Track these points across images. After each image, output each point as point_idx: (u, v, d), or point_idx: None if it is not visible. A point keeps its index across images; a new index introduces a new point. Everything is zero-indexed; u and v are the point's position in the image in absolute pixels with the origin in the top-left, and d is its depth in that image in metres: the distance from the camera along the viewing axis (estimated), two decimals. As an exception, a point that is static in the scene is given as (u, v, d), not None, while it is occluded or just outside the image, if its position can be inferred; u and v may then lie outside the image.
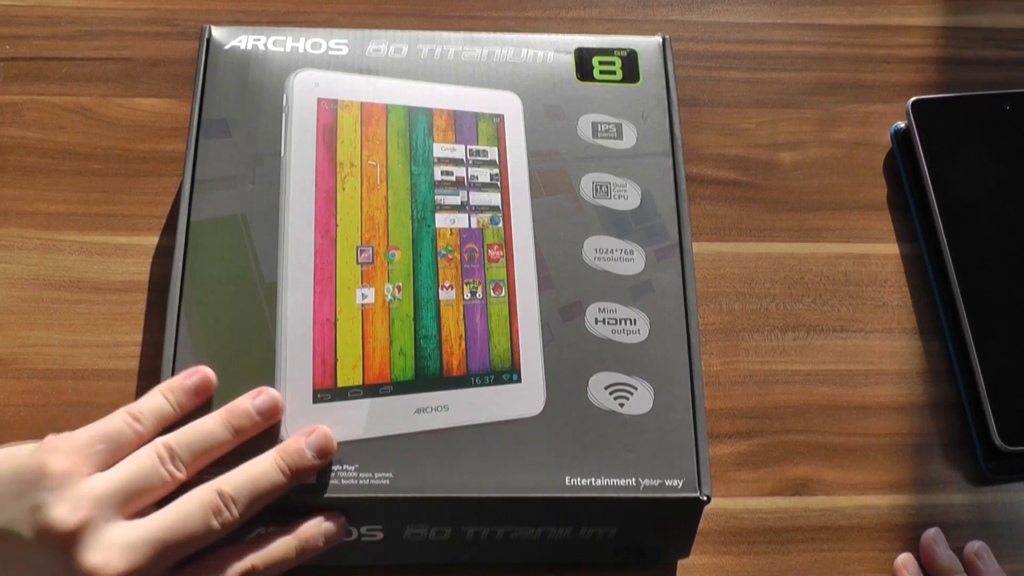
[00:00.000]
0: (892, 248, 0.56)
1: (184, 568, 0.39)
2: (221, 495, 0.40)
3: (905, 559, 0.49)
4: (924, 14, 0.63)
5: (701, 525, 0.49)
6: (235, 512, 0.40)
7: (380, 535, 0.44)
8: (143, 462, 0.40)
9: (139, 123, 0.56)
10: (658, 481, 0.44)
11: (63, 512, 0.37)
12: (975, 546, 0.49)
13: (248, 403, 0.42)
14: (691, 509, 0.44)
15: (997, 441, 0.50)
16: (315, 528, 0.42)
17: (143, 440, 0.41)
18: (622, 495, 0.43)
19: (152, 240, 0.53)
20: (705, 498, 0.43)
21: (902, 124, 0.58)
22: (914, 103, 0.57)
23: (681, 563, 0.48)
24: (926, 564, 0.49)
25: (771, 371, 0.53)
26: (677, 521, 0.45)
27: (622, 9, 0.62)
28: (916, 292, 0.55)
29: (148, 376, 0.50)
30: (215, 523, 0.39)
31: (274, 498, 0.41)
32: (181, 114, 0.56)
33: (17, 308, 0.52)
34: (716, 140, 0.58)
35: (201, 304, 0.45)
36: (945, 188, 0.55)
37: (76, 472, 0.38)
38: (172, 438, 0.41)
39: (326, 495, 0.42)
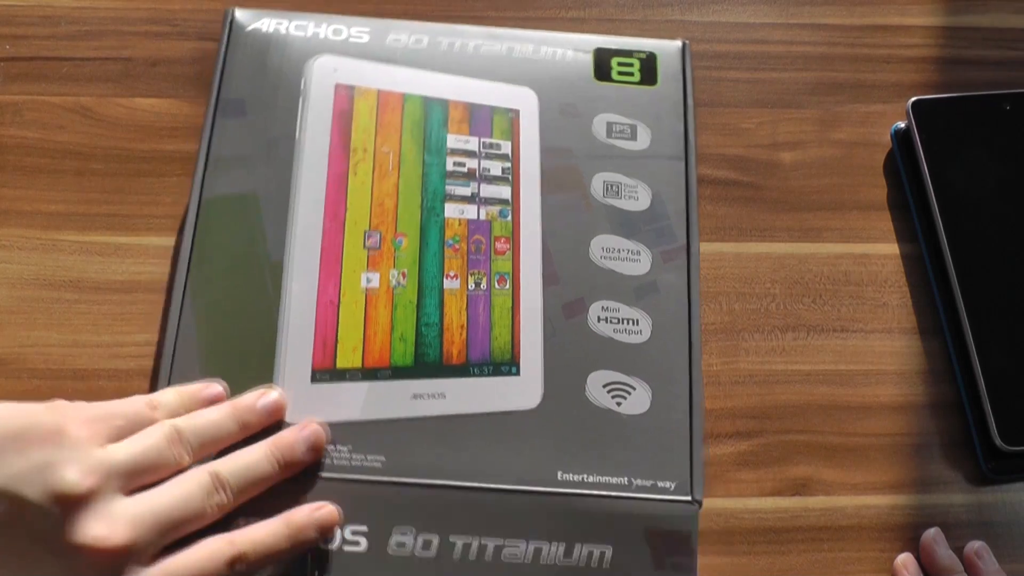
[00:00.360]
0: (892, 248, 0.56)
1: (171, 552, 0.39)
2: (217, 478, 0.40)
3: (905, 559, 0.49)
4: (924, 14, 0.63)
5: (702, 525, 0.49)
6: (229, 495, 0.40)
7: (364, 543, 0.43)
8: (157, 440, 0.40)
9: (139, 123, 0.56)
10: (650, 482, 0.44)
11: (75, 475, 0.37)
12: (975, 546, 0.49)
13: (254, 400, 0.43)
14: (683, 516, 0.44)
15: (997, 441, 0.50)
16: (307, 517, 0.41)
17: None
18: (613, 493, 0.43)
19: (152, 240, 0.53)
20: (696, 504, 0.43)
21: (902, 124, 0.58)
22: (914, 103, 0.57)
23: (681, 563, 0.48)
24: (926, 564, 0.49)
25: (771, 371, 0.53)
26: (675, 540, 0.44)
27: (622, 9, 0.62)
28: (916, 292, 0.55)
29: (148, 376, 0.50)
30: (212, 505, 0.39)
31: (263, 488, 0.41)
32: (181, 114, 0.56)
33: (17, 308, 0.52)
34: (716, 140, 0.58)
35: (207, 279, 0.45)
36: (945, 188, 0.55)
37: (93, 439, 0.39)
38: (183, 423, 0.41)
39: (319, 474, 0.42)
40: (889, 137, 0.59)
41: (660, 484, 0.43)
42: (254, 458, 0.41)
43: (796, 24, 0.62)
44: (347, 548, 0.43)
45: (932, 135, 0.57)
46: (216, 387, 0.44)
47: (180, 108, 0.57)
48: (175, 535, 0.39)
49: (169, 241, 0.53)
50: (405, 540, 0.43)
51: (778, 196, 0.57)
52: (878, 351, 0.54)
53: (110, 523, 0.37)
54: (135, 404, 0.41)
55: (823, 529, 0.50)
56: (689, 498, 0.43)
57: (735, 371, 0.53)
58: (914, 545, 0.50)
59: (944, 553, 0.49)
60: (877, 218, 0.57)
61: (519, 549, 0.43)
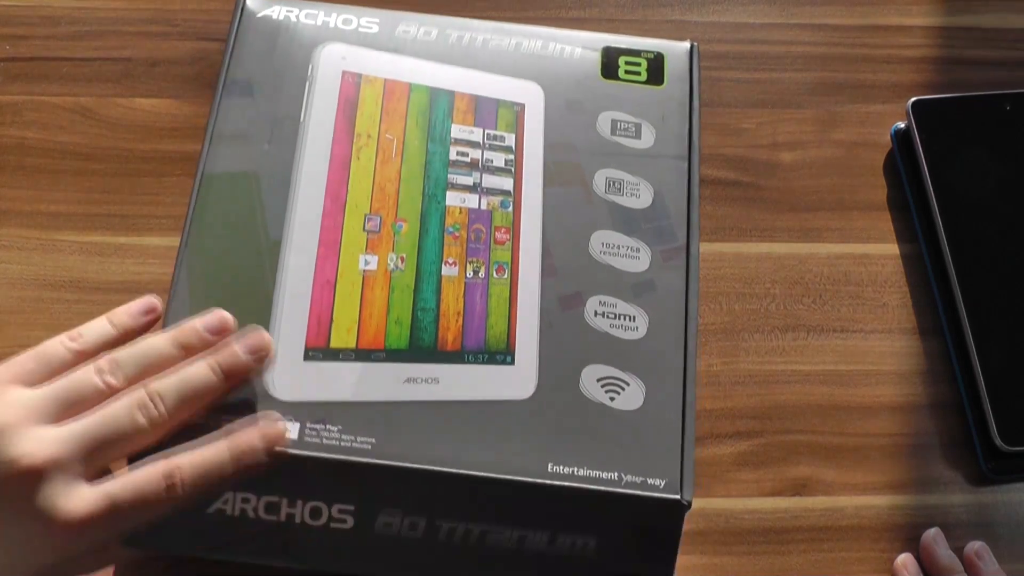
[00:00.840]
0: (892, 248, 0.56)
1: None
2: (148, 392, 0.39)
3: (905, 559, 0.49)
4: (924, 14, 0.63)
5: (702, 525, 0.49)
6: (162, 408, 0.39)
7: (351, 521, 0.43)
8: (78, 373, 0.39)
9: (139, 123, 0.56)
10: (640, 479, 0.43)
11: None
12: (975, 546, 0.49)
13: (196, 320, 0.42)
14: (671, 515, 0.43)
15: (997, 441, 0.50)
16: (248, 426, 0.40)
17: (80, 357, 0.40)
18: (603, 488, 0.43)
19: (152, 240, 0.53)
20: (686, 502, 0.43)
21: (902, 124, 0.58)
22: (914, 103, 0.57)
23: (681, 563, 0.48)
24: (926, 564, 0.49)
25: (771, 371, 0.53)
26: (658, 536, 0.44)
27: (622, 9, 0.62)
28: (916, 292, 0.55)
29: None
30: (141, 419, 0.38)
31: (209, 399, 0.40)
32: (181, 114, 0.57)
33: (17, 308, 0.52)
34: (716, 140, 0.58)
35: (204, 253, 0.45)
36: (945, 188, 0.55)
37: (2, 383, 0.38)
38: (114, 352, 0.40)
39: (307, 452, 0.42)
40: (889, 137, 0.59)
41: (650, 481, 0.43)
42: (192, 369, 0.40)
43: (796, 24, 0.62)
44: (333, 525, 0.43)
45: (932, 135, 0.57)
46: (145, 298, 0.43)
47: (180, 108, 0.57)
48: (109, 453, 0.38)
49: (169, 241, 0.53)
50: (392, 520, 0.43)
51: (778, 196, 0.57)
52: (878, 351, 0.54)
53: (30, 443, 0.37)
54: (50, 344, 0.40)
55: (823, 529, 0.50)
56: (678, 496, 0.43)
57: (735, 371, 0.53)
58: (914, 545, 0.50)
59: (944, 553, 0.49)
60: (877, 218, 0.57)
61: (504, 535, 0.43)
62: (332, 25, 0.51)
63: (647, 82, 0.52)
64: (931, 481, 0.51)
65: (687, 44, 0.53)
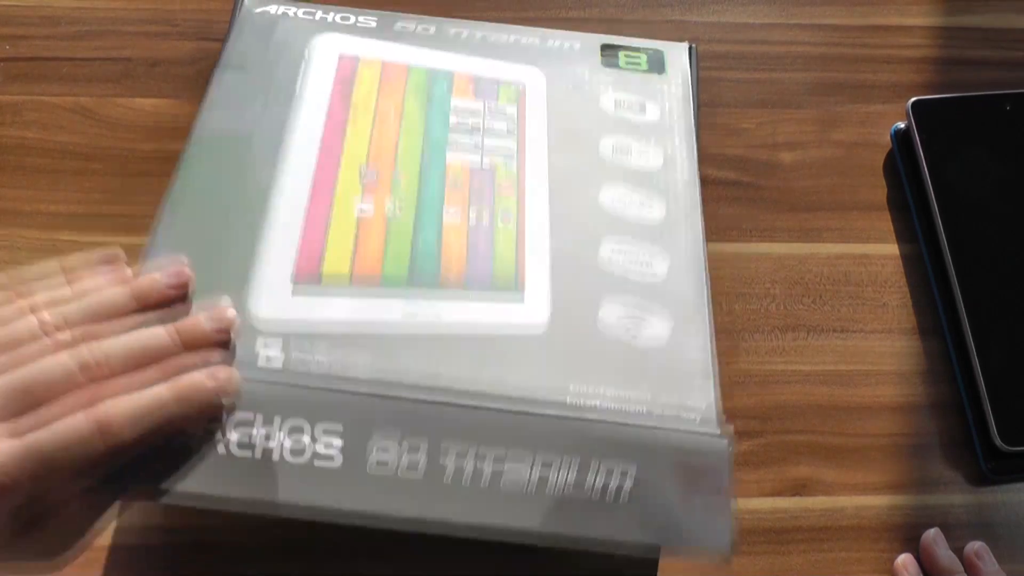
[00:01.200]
0: (892, 248, 0.56)
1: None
2: (90, 347, 0.36)
3: (905, 559, 0.49)
4: (924, 14, 0.63)
5: (701, 525, 0.49)
6: (101, 356, 0.35)
7: (339, 458, 0.37)
8: (15, 323, 0.36)
9: (139, 123, 0.56)
10: (675, 406, 0.40)
11: None
12: (975, 546, 0.49)
13: (155, 272, 0.39)
14: (715, 451, 0.38)
15: (997, 441, 0.50)
16: (196, 370, 0.36)
17: (14, 296, 0.38)
18: (633, 420, 0.38)
19: (152, 240, 0.53)
20: (728, 438, 0.39)
21: (902, 124, 0.58)
22: (914, 103, 0.57)
23: (681, 563, 0.48)
24: (926, 564, 0.49)
25: (771, 371, 0.53)
26: (704, 475, 0.38)
27: (622, 9, 0.62)
28: (916, 292, 0.55)
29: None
30: (72, 365, 0.35)
31: (158, 358, 0.37)
32: (181, 114, 0.56)
33: (17, 308, 0.51)
34: (716, 140, 0.58)
35: (191, 197, 0.43)
36: (945, 188, 0.55)
37: None
38: (63, 305, 0.37)
39: (292, 382, 0.38)
40: (889, 137, 0.59)
41: (684, 415, 0.39)
42: (144, 329, 0.37)
43: (796, 24, 0.62)
44: (318, 463, 0.37)
45: (932, 135, 0.57)
46: (111, 250, 0.39)
47: (180, 108, 0.57)
48: (35, 398, 0.35)
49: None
50: (387, 458, 0.37)
51: (778, 196, 0.57)
52: (878, 351, 0.54)
53: None
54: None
55: (823, 529, 0.50)
56: (719, 431, 0.39)
57: (735, 371, 0.53)
58: (914, 545, 0.50)
59: (944, 554, 0.49)
60: (877, 218, 0.57)
61: (522, 466, 0.37)
62: (330, 20, 0.51)
63: (648, 71, 0.52)
64: (931, 481, 0.51)
65: (685, 44, 0.53)
